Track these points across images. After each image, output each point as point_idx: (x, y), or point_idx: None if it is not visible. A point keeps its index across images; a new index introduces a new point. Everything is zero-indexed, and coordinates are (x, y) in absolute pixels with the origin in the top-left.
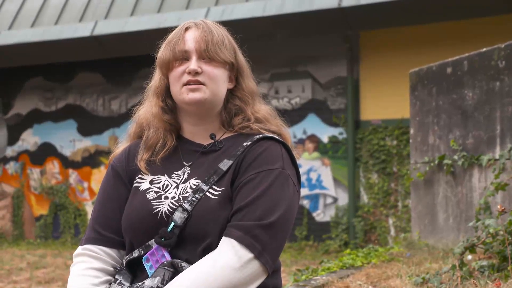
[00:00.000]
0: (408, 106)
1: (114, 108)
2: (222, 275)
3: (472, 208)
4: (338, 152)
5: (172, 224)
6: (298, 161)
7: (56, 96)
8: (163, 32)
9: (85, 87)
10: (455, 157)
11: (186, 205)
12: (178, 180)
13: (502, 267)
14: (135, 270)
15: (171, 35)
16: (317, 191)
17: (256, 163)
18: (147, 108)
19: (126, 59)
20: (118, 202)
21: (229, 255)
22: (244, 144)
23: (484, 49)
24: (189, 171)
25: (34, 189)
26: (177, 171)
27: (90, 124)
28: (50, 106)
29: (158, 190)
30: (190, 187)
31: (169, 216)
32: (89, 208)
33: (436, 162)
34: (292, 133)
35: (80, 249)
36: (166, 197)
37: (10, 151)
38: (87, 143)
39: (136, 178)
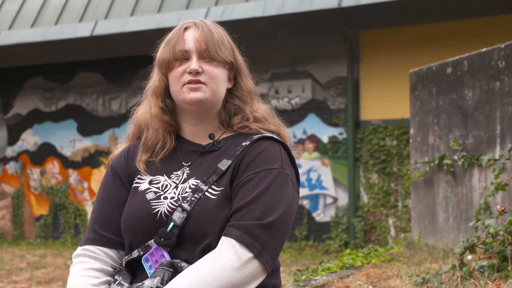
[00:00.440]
0: (408, 106)
1: (114, 108)
2: (222, 275)
3: (472, 208)
4: (338, 152)
5: (172, 224)
6: (298, 161)
7: (56, 96)
8: (163, 32)
9: (85, 87)
10: (455, 157)
11: (185, 205)
12: (177, 180)
13: (502, 267)
14: (134, 271)
15: (170, 35)
16: (317, 191)
17: (255, 163)
18: (146, 109)
19: (126, 59)
20: (117, 202)
21: (229, 254)
22: (243, 144)
23: (484, 49)
24: (188, 171)
25: (34, 189)
26: (176, 171)
27: (90, 124)
28: (50, 106)
29: (157, 190)
30: (189, 187)
31: (168, 216)
32: (89, 208)
33: (436, 162)
34: (292, 133)
35: (79, 249)
36: (166, 198)
37: (10, 151)
38: (87, 143)
39: (136, 178)
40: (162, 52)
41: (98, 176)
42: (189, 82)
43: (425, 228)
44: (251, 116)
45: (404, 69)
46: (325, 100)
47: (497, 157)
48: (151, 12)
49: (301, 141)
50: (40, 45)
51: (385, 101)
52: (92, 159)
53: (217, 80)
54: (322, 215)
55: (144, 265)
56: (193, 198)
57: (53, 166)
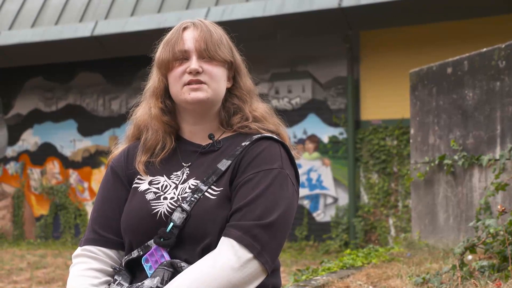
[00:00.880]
0: (409, 106)
1: (114, 108)
2: (222, 275)
3: (473, 208)
4: (338, 152)
5: (171, 224)
6: (298, 161)
7: (56, 96)
8: (163, 32)
9: (85, 87)
10: (456, 157)
11: (185, 205)
12: (177, 180)
13: (503, 267)
14: (134, 271)
15: (168, 35)
16: (317, 191)
17: (254, 163)
18: (145, 110)
19: (126, 59)
20: (117, 202)
21: (229, 255)
22: (243, 144)
23: (485, 49)
24: (188, 172)
25: (35, 189)
26: (176, 172)
27: (90, 124)
28: (50, 106)
29: (157, 190)
30: (189, 187)
31: (168, 217)
32: (89, 208)
33: (437, 162)
34: (292, 133)
35: (79, 250)
36: (165, 198)
37: (10, 151)
38: (87, 143)
39: (135, 178)
40: (161, 52)
41: (98, 176)
42: (190, 82)
43: (426, 228)
44: (250, 115)
45: (404, 69)
46: (325, 100)
47: (497, 157)
48: (151, 12)
49: (301, 141)
50: (40, 45)
51: (385, 101)
52: (92, 159)
53: (218, 79)
54: (322, 215)
55: (144, 265)
56: (192, 199)
57: (53, 166)
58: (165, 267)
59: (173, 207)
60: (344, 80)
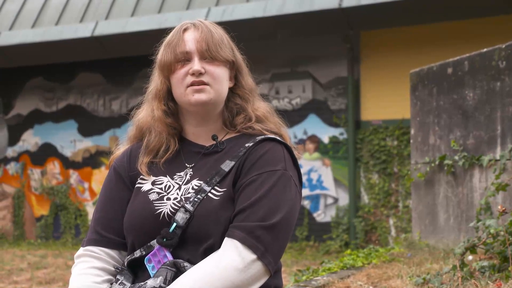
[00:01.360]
0: (409, 106)
1: (114, 109)
2: (226, 276)
3: (473, 208)
4: (338, 153)
5: (174, 224)
6: (298, 162)
7: (57, 97)
8: (163, 33)
9: (86, 87)
10: (456, 157)
11: (188, 206)
12: (180, 181)
13: (503, 268)
14: (136, 271)
15: (169, 37)
16: (317, 191)
17: (258, 164)
18: (148, 112)
19: (126, 59)
20: (119, 203)
21: (233, 256)
22: (246, 145)
23: (485, 50)
24: (192, 173)
25: (35, 189)
26: (179, 172)
27: (90, 125)
28: (51, 106)
29: (160, 191)
30: (192, 188)
31: (171, 217)
32: (89, 209)
33: (437, 162)
34: (292, 134)
35: (81, 250)
36: (169, 198)
37: (10, 152)
38: (87, 143)
39: (138, 178)
40: (162, 54)
41: (98, 176)
42: (193, 84)
43: (426, 228)
44: (253, 114)
45: (405, 69)
46: (325, 100)
47: (497, 157)
48: (152, 13)
49: (301, 142)
50: (41, 45)
51: (386, 101)
52: (92, 160)
53: (220, 80)
54: (322, 216)
55: (146, 265)
56: (196, 199)
57: (53, 167)
58: (168, 267)
59: (176, 207)
60: (344, 80)
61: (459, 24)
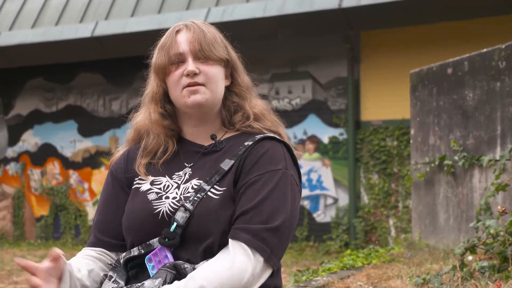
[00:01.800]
0: (409, 106)
1: (114, 109)
2: (238, 279)
3: (473, 208)
4: (338, 153)
5: (175, 224)
6: (298, 162)
7: (57, 97)
8: (163, 33)
9: (86, 87)
10: (456, 157)
11: (188, 205)
12: (179, 180)
13: (503, 268)
14: (133, 269)
15: (162, 40)
16: (317, 191)
17: (259, 164)
18: (145, 115)
19: (126, 60)
20: (116, 206)
21: (244, 259)
22: (246, 143)
23: (485, 50)
24: (191, 172)
25: (35, 189)
26: (178, 172)
27: (90, 125)
28: (51, 106)
29: (159, 191)
30: (192, 187)
31: (170, 216)
32: (89, 209)
33: (437, 162)
34: (292, 134)
35: (79, 253)
36: (167, 197)
37: (10, 152)
38: (87, 143)
39: (136, 179)
40: (157, 57)
41: (98, 176)
42: (188, 85)
43: (426, 228)
44: (251, 112)
45: (405, 69)
46: (325, 101)
47: (497, 157)
48: (152, 13)
49: (301, 142)
50: (41, 45)
51: (386, 101)
52: (92, 160)
53: (215, 79)
54: (322, 216)
55: (147, 265)
56: (195, 198)
57: (53, 167)
58: (168, 269)
59: (175, 206)
60: (344, 80)
61: (459, 24)
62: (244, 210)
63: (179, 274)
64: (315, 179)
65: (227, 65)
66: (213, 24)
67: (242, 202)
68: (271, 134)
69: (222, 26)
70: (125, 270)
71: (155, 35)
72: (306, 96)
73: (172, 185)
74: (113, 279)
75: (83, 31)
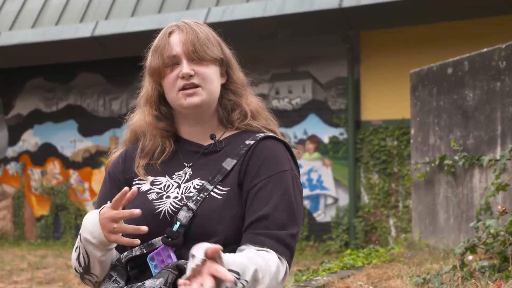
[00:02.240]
0: (409, 106)
1: (114, 109)
2: (276, 277)
3: (473, 208)
4: (338, 153)
5: (178, 223)
6: (298, 161)
7: (57, 97)
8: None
9: (86, 87)
10: (456, 157)
11: (191, 204)
12: (180, 180)
13: (503, 268)
14: (135, 269)
15: (155, 42)
16: (317, 191)
17: (266, 166)
18: (141, 117)
19: (126, 60)
20: None
21: (275, 265)
22: (247, 142)
23: (485, 50)
24: (191, 172)
25: (35, 189)
26: (178, 171)
27: (90, 125)
28: (51, 106)
29: (159, 191)
30: (194, 187)
31: (171, 215)
32: (90, 209)
33: (437, 162)
34: (292, 134)
35: None
36: (168, 197)
37: (10, 152)
38: (87, 143)
39: (136, 180)
40: (151, 60)
41: (98, 176)
42: (184, 87)
43: (426, 228)
44: (247, 109)
45: (405, 69)
46: (325, 101)
47: (498, 157)
48: (152, 13)
49: (301, 142)
50: (41, 45)
51: (386, 101)
52: (92, 160)
53: (211, 79)
54: (322, 216)
55: (149, 263)
56: (198, 198)
57: (53, 167)
58: (170, 269)
59: (177, 206)
60: (344, 80)
61: (459, 24)
62: (262, 215)
63: (182, 274)
64: (315, 179)
65: (222, 63)
66: (213, 24)
67: (256, 206)
68: (271, 134)
69: (222, 26)
70: (126, 270)
71: (155, 35)
72: (306, 96)
73: (173, 185)
74: (113, 279)
75: (83, 31)
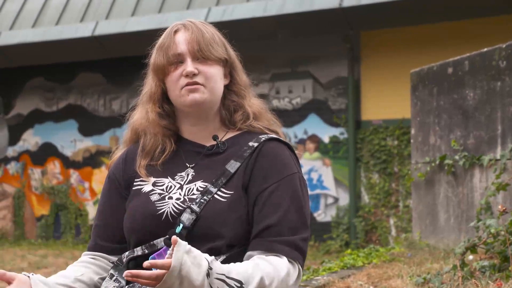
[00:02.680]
0: (409, 106)
1: (115, 108)
2: (285, 282)
3: (473, 208)
4: (339, 152)
5: (181, 226)
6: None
7: (57, 96)
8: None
9: (86, 87)
10: (456, 157)
11: (194, 207)
12: (182, 181)
13: (503, 267)
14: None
15: (161, 40)
16: (318, 191)
17: (274, 169)
18: (142, 114)
19: (127, 59)
20: (114, 210)
21: (285, 270)
22: (250, 144)
23: (485, 49)
24: (193, 173)
25: (35, 189)
26: (180, 172)
27: (91, 124)
28: (51, 106)
29: (161, 192)
30: (197, 189)
31: (174, 217)
32: (90, 208)
33: (437, 162)
34: (293, 133)
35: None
36: (170, 198)
37: (11, 151)
38: (88, 143)
39: (137, 180)
40: (155, 58)
41: (99, 176)
42: (187, 85)
43: (426, 228)
44: (250, 111)
45: (405, 69)
46: (326, 100)
47: (498, 157)
48: (152, 12)
49: (302, 141)
50: (41, 45)
51: (386, 101)
52: (93, 159)
53: (214, 79)
54: (323, 215)
55: None
56: (202, 200)
57: (54, 166)
58: None
59: (180, 207)
60: (344, 80)
61: (459, 24)
62: (274, 222)
63: None
64: (316, 179)
65: (226, 64)
66: (213, 23)
67: (266, 211)
68: (274, 135)
69: (222, 26)
70: (127, 270)
71: (155, 35)
72: (307, 96)
73: (175, 186)
74: (114, 278)
75: (83, 31)
